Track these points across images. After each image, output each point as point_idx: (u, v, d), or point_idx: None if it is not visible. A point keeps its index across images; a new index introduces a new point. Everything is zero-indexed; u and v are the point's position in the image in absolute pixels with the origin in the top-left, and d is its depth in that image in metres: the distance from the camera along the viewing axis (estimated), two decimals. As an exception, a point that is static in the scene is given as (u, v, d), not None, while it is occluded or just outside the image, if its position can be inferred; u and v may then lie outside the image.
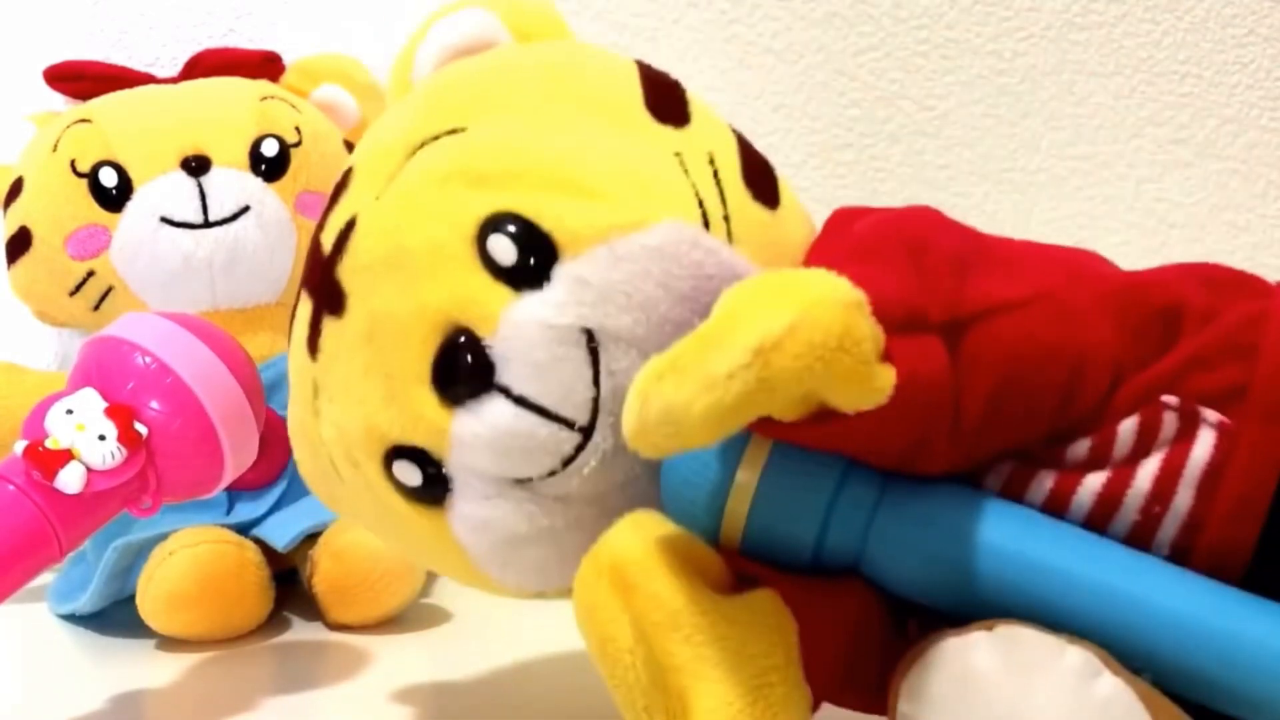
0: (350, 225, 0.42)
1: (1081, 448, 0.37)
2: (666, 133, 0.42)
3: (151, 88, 0.76)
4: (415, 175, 0.41)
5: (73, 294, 0.71)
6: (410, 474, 0.41)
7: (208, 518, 0.65)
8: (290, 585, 0.66)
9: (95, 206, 0.71)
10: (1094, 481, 0.37)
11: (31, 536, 0.44)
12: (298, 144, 0.74)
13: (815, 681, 0.37)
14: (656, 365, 0.33)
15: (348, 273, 0.41)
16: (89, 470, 0.45)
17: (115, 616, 0.64)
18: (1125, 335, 0.38)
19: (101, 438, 0.45)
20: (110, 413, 0.45)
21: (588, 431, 0.39)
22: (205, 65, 0.78)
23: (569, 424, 0.39)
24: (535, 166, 0.40)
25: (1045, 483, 0.37)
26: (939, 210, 0.41)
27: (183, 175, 0.70)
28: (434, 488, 0.41)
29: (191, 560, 0.60)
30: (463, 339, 0.39)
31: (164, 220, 0.70)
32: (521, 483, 0.40)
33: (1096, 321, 0.37)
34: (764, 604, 0.37)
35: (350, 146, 0.78)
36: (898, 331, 0.34)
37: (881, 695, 0.37)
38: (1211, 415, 0.36)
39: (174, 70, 0.80)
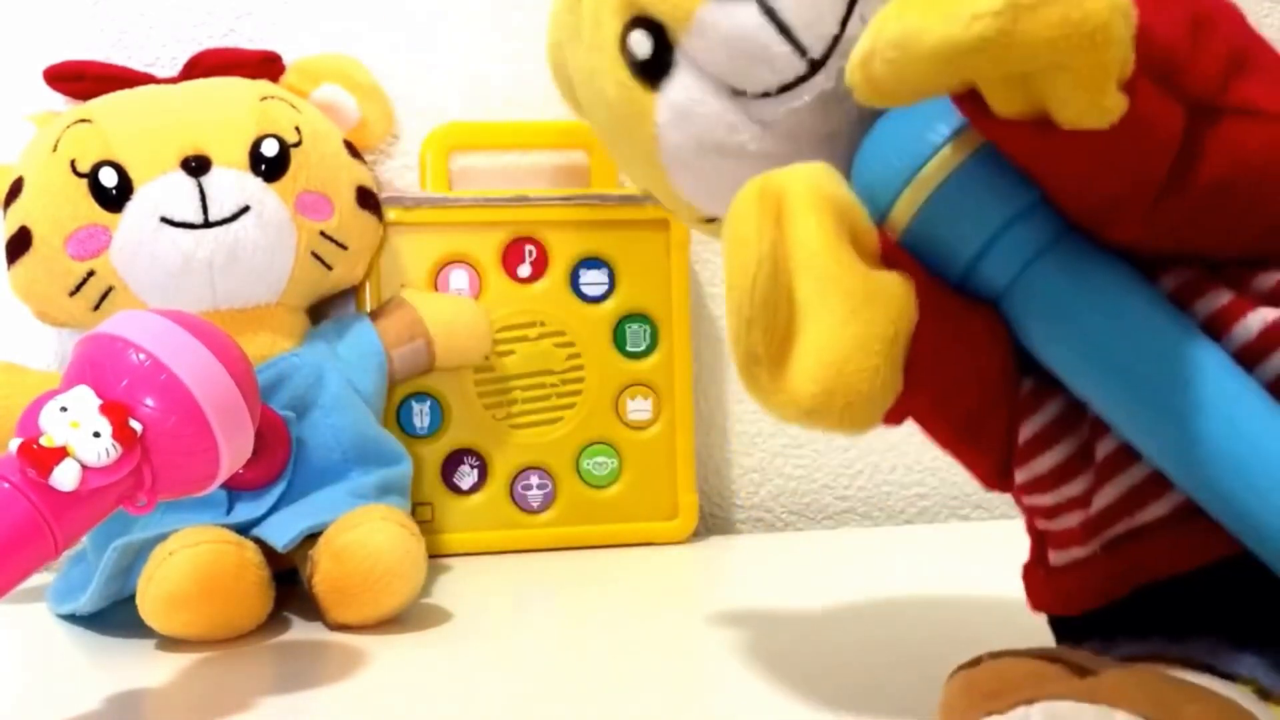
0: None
1: (1269, 279, 0.37)
2: None
3: (151, 88, 0.76)
4: None
5: (73, 294, 0.71)
6: (643, 44, 0.42)
7: (208, 518, 0.65)
8: (290, 585, 0.66)
9: (95, 206, 0.70)
10: (1266, 314, 0.36)
11: (27, 534, 0.44)
12: (298, 144, 0.74)
13: (913, 379, 0.37)
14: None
15: None
16: (84, 467, 0.45)
17: (115, 616, 0.64)
18: None
19: (96, 435, 0.45)
20: (105, 410, 0.45)
21: (816, 65, 0.40)
22: (205, 65, 0.78)
23: (802, 51, 0.40)
24: None
25: (1218, 298, 0.37)
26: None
27: (183, 175, 0.70)
28: (657, 66, 0.42)
29: (191, 560, 0.59)
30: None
31: (164, 220, 0.70)
32: (737, 93, 0.41)
33: None
34: (895, 285, 0.37)
35: (350, 146, 0.78)
36: (1148, 75, 0.33)
37: (969, 439, 0.38)
38: None
39: (174, 70, 0.80)
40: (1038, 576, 0.43)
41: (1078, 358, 0.37)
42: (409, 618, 0.64)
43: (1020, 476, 0.41)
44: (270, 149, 0.73)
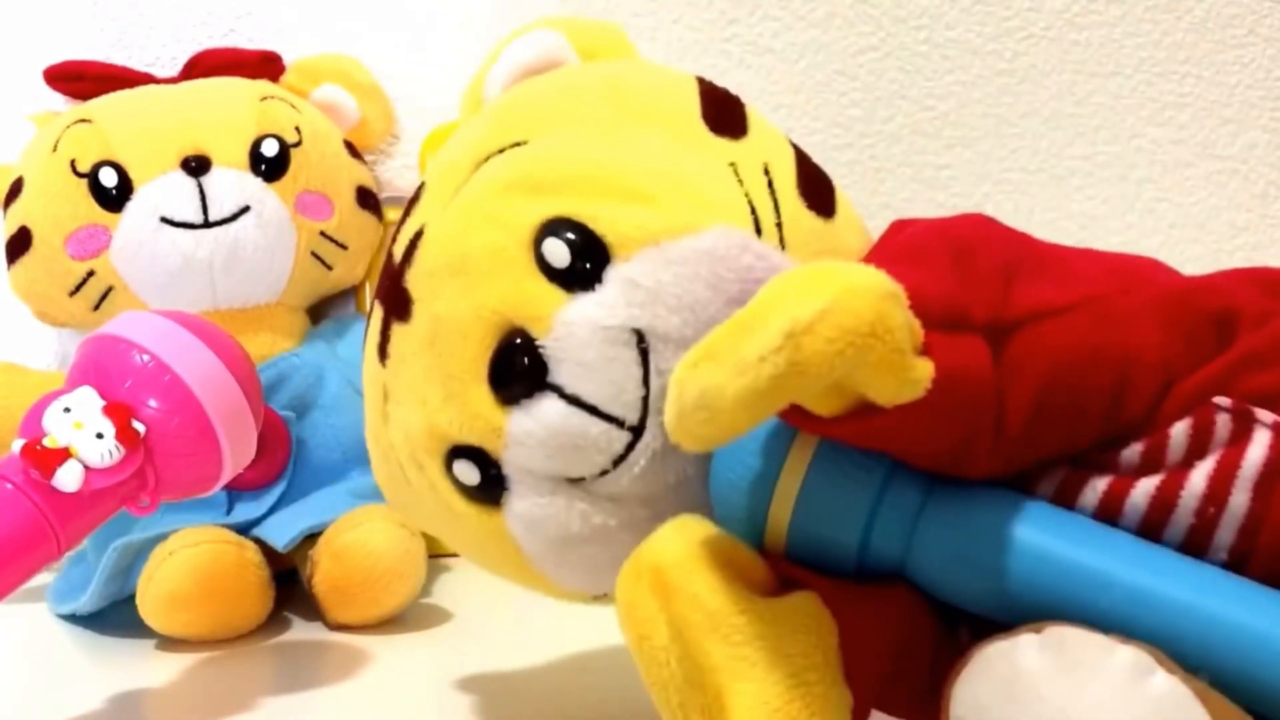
0: (419, 235, 0.43)
1: (1134, 452, 0.37)
2: (722, 144, 0.43)
3: (151, 88, 0.76)
4: (479, 186, 0.42)
5: (73, 294, 0.71)
6: (469, 474, 0.42)
7: (208, 518, 0.65)
8: (290, 585, 0.67)
9: (95, 206, 0.71)
10: (1147, 485, 0.36)
11: (30, 535, 0.44)
12: (298, 144, 0.74)
13: (858, 684, 0.37)
14: (693, 353, 0.33)
15: (414, 280, 0.42)
16: (87, 468, 0.45)
17: (115, 616, 0.64)
18: (1176, 339, 0.37)
19: (99, 436, 0.45)
20: (108, 411, 0.45)
21: (638, 430, 0.40)
22: (205, 65, 0.78)
23: (619, 423, 0.40)
24: (591, 174, 0.41)
25: (1098, 487, 0.37)
26: (992, 218, 0.41)
27: (183, 175, 0.70)
28: (492, 488, 0.42)
29: (192, 560, 0.60)
30: (518, 340, 0.40)
31: (164, 220, 0.70)
32: (575, 482, 0.41)
33: (1145, 326, 0.37)
34: (803, 605, 0.37)
35: (350, 146, 0.78)
36: (938, 328, 0.34)
37: (934, 703, 0.37)
38: (1266, 415, 0.36)
39: (174, 70, 0.80)
40: None
41: (992, 596, 0.37)
42: (409, 617, 0.64)
43: None
44: (270, 149, 0.73)
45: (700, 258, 0.39)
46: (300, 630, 0.64)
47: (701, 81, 0.45)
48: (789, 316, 0.31)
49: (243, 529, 0.65)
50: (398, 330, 0.43)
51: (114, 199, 0.70)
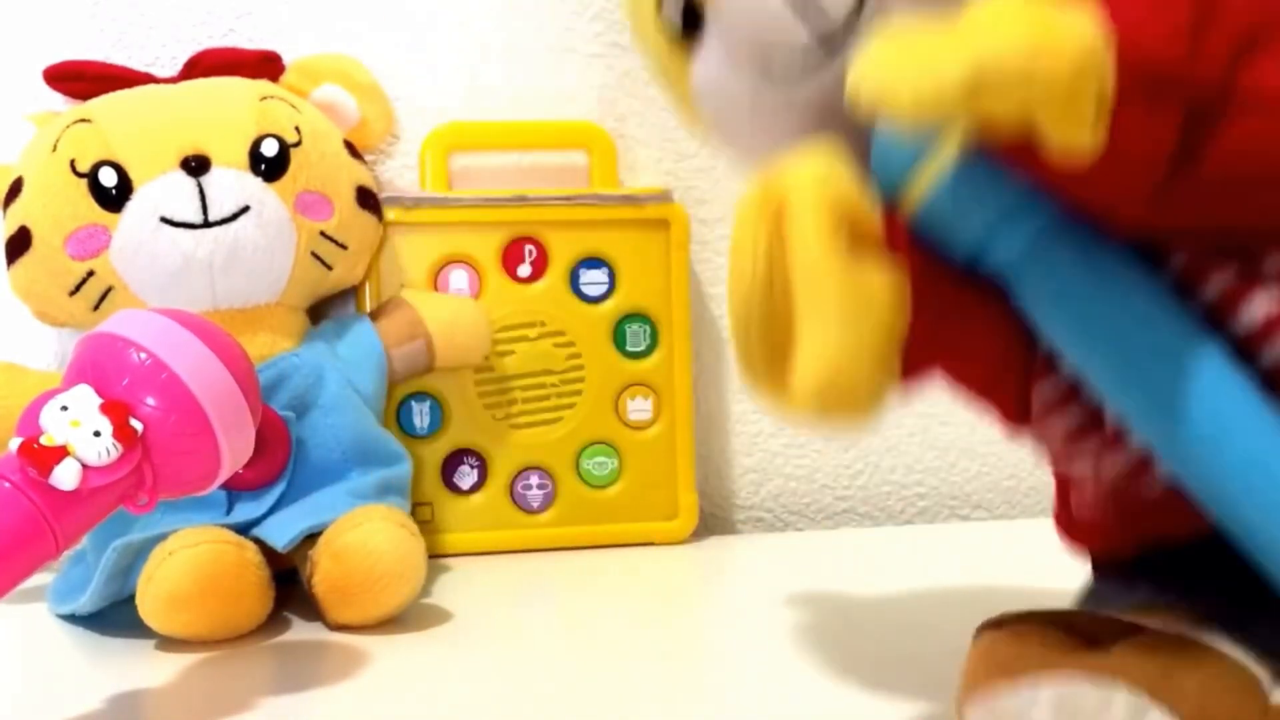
0: None
1: (1277, 262, 0.37)
2: None
3: (151, 88, 0.76)
4: None
5: (72, 294, 0.71)
6: (674, 8, 0.43)
7: (207, 518, 0.65)
8: (290, 585, 0.66)
9: (95, 206, 0.70)
10: (1270, 301, 0.36)
11: (27, 533, 0.44)
12: (298, 144, 0.74)
13: (915, 361, 0.39)
14: (884, 49, 0.33)
15: None
16: (84, 466, 0.45)
17: (115, 617, 0.63)
18: None
19: (96, 434, 0.45)
20: (105, 409, 0.45)
21: (836, 39, 0.41)
22: (205, 65, 0.78)
23: (820, 27, 0.40)
24: None
25: (1225, 280, 0.37)
26: None
27: (182, 175, 0.70)
28: (690, 32, 0.43)
29: (191, 560, 0.59)
30: None
31: (164, 220, 0.70)
32: (764, 73, 0.42)
33: None
34: (888, 290, 0.37)
35: (350, 146, 0.78)
36: (1136, 90, 0.33)
37: (983, 396, 0.40)
38: None
39: (174, 70, 0.80)
40: (1063, 519, 0.46)
41: (1077, 341, 0.38)
42: (409, 618, 0.64)
43: (1034, 438, 0.43)
44: (270, 149, 0.72)
45: None
46: (300, 630, 0.64)
47: None
48: (974, 64, 0.31)
49: (242, 529, 0.64)
50: None
51: (114, 199, 0.70)
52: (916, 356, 0.39)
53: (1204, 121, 0.35)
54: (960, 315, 0.40)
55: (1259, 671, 0.36)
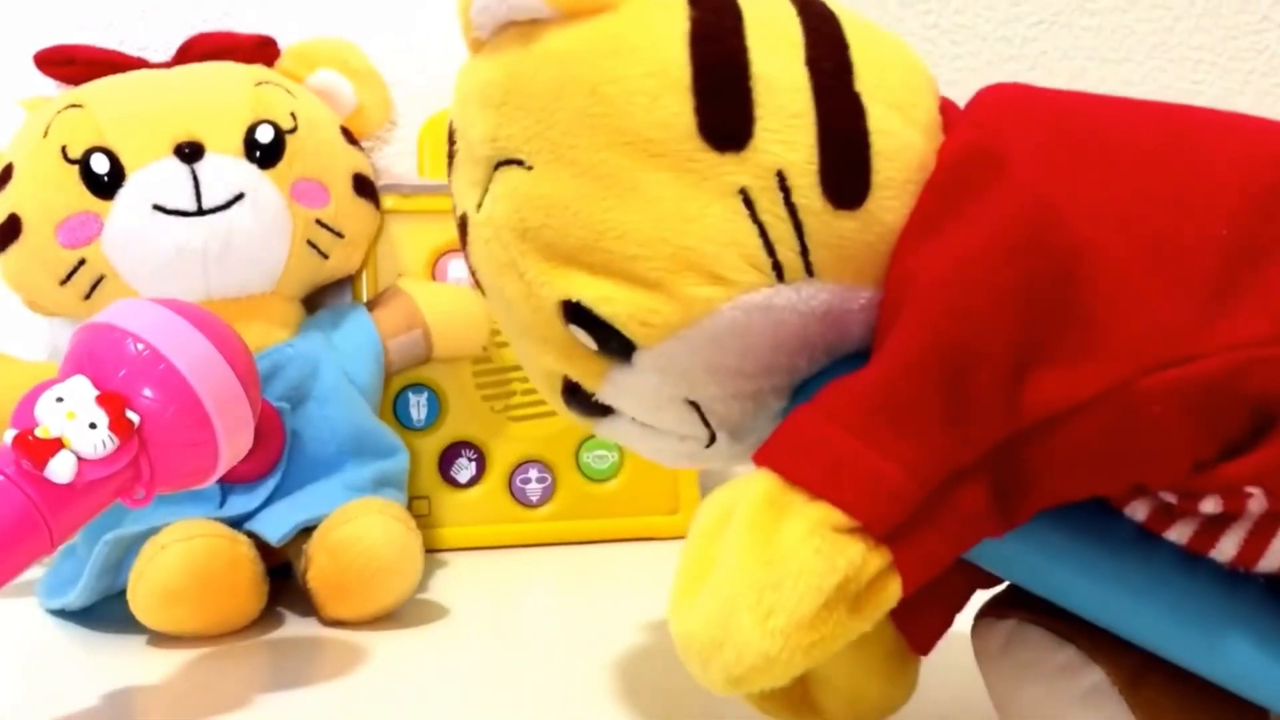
0: (464, 223, 0.44)
1: (1210, 505, 0.37)
2: (726, 164, 0.38)
3: (144, 73, 0.75)
4: (495, 222, 0.41)
5: (63, 283, 0.70)
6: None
7: (200, 511, 0.64)
8: (284, 580, 0.66)
9: (86, 194, 0.69)
10: (1236, 537, 0.37)
11: (21, 527, 0.43)
12: (293, 130, 0.73)
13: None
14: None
15: (474, 265, 0.44)
16: (80, 459, 0.44)
17: (106, 612, 0.63)
18: (1204, 434, 0.35)
19: (92, 426, 0.44)
20: (101, 401, 0.44)
21: (711, 438, 0.43)
22: (199, 50, 0.77)
23: (692, 437, 0.43)
24: (598, 245, 0.39)
25: (1188, 529, 0.37)
26: (1027, 236, 0.37)
27: (176, 162, 0.69)
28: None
29: (184, 555, 0.59)
30: (580, 386, 0.43)
31: (157, 208, 0.69)
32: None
33: (1171, 422, 0.35)
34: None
35: (347, 133, 0.77)
36: (903, 527, 0.35)
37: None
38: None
39: (167, 55, 0.79)
40: None
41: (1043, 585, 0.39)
42: (405, 613, 0.63)
43: None
44: (265, 135, 0.71)
45: (722, 335, 0.39)
46: (294, 626, 0.63)
47: (695, 55, 0.39)
48: (725, 673, 0.37)
49: (236, 522, 0.64)
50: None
51: (106, 186, 0.69)
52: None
53: (1014, 449, 0.36)
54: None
55: None
